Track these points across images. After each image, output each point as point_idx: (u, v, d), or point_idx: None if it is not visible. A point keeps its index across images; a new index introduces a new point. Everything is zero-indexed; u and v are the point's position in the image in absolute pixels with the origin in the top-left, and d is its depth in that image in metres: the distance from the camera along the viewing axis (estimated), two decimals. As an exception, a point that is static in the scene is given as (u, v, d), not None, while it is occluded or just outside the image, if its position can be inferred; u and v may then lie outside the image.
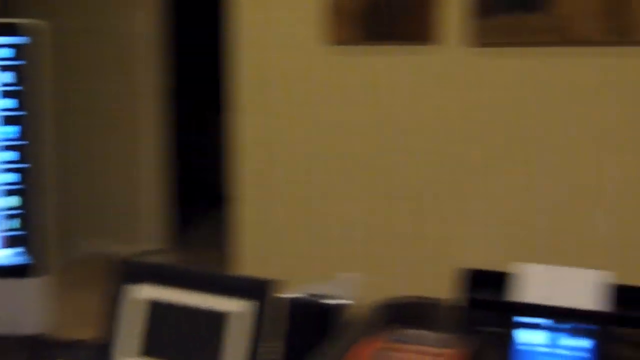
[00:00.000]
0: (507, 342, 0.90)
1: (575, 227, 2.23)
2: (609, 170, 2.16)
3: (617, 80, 2.12)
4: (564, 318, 0.89)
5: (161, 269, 1.01)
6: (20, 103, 1.17)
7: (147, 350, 1.01)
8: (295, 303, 1.14)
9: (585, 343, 0.87)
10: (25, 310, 1.23)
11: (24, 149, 1.18)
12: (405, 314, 1.08)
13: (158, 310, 1.02)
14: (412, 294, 1.18)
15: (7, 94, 1.17)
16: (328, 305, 1.15)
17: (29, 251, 1.20)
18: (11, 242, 1.19)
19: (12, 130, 1.17)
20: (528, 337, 0.89)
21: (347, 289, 1.22)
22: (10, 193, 1.18)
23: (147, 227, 4.09)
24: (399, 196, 2.43)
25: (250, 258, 2.62)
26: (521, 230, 2.30)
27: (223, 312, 1.17)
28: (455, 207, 2.38)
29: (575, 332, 0.88)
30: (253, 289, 1.19)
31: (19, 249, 1.19)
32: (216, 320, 1.15)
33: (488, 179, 2.32)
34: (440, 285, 1.25)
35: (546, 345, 0.88)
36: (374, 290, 1.17)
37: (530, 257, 1.01)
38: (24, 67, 1.17)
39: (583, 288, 0.93)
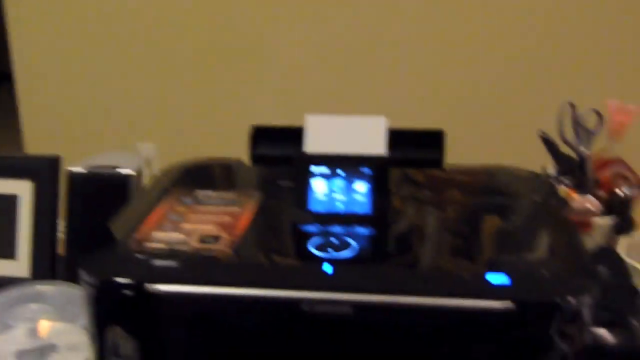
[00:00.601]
0: (296, 193, 0.91)
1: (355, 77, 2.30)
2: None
3: None
4: (348, 165, 0.91)
5: None
6: None
7: None
8: (76, 177, 1.09)
9: (367, 186, 0.90)
10: None
11: None
12: (194, 177, 1.06)
13: None
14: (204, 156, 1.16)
15: None
16: (112, 175, 1.10)
17: None
18: None
19: None
20: (315, 186, 0.91)
21: (136, 159, 1.18)
22: None
23: None
24: (188, 62, 2.37)
25: (35, 136, 2.49)
26: (308, 83, 2.34)
27: (8, 194, 1.11)
28: (244, 67, 2.36)
29: (359, 177, 0.91)
30: (37, 167, 1.13)
31: None
32: (3, 202, 1.09)
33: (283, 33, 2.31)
34: (234, 146, 1.24)
35: (332, 192, 0.90)
36: (171, 158, 1.14)
37: (316, 109, 1.01)
38: None
39: (364, 134, 0.96)
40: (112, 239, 0.86)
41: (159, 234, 0.86)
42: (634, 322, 1.01)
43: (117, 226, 0.90)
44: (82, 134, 2.48)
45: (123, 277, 0.78)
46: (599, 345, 0.94)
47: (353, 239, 0.84)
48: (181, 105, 2.44)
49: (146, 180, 1.18)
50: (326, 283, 0.77)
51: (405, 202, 0.97)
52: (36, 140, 2.51)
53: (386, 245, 0.88)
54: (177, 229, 0.87)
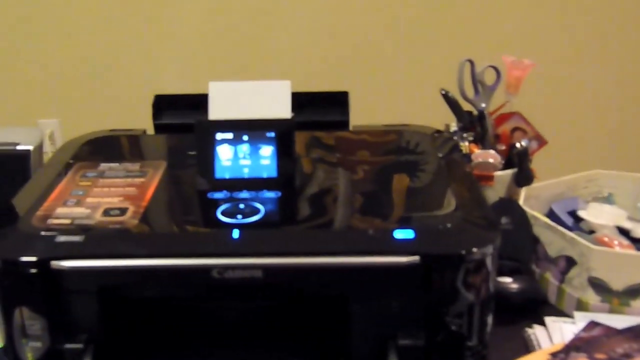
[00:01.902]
0: (201, 160, 0.90)
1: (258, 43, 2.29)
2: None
3: None
4: (253, 129, 0.91)
5: None
6: None
7: None
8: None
9: (273, 150, 0.90)
10: None
11: None
12: (97, 149, 1.04)
13: None
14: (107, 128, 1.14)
15: None
16: (9, 152, 1.07)
17: None
18: None
19: None
20: (221, 153, 0.90)
21: (37, 135, 1.14)
22: None
23: None
24: (89, 32, 2.30)
25: None
26: (212, 50, 2.31)
27: None
28: (147, 36, 2.31)
29: (265, 141, 0.90)
30: None
31: None
32: None
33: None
34: (140, 117, 1.22)
35: (238, 158, 0.90)
36: (75, 134, 1.11)
37: (220, 76, 1.00)
38: None
39: (268, 99, 0.95)
40: (13, 217, 0.84)
41: (62, 210, 0.84)
42: (535, 269, 1.05)
43: (19, 203, 0.87)
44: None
45: (27, 255, 0.76)
46: (502, 293, 0.97)
47: (261, 204, 0.84)
48: (83, 78, 2.36)
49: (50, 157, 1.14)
50: (236, 249, 0.77)
51: (314, 164, 0.97)
52: None
53: (294, 208, 0.88)
54: (81, 203, 0.85)
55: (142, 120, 1.16)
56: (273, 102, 0.95)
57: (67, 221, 0.81)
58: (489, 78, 1.22)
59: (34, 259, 0.76)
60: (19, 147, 1.08)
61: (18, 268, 0.76)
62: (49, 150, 1.15)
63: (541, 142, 1.22)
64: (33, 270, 0.76)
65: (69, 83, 2.37)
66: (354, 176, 0.95)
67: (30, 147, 1.08)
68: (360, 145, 1.04)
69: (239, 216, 0.81)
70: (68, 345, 0.78)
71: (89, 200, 0.86)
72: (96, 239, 0.78)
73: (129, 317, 0.83)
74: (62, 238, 0.78)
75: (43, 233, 0.79)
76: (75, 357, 0.78)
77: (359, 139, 1.06)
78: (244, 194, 0.86)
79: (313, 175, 0.94)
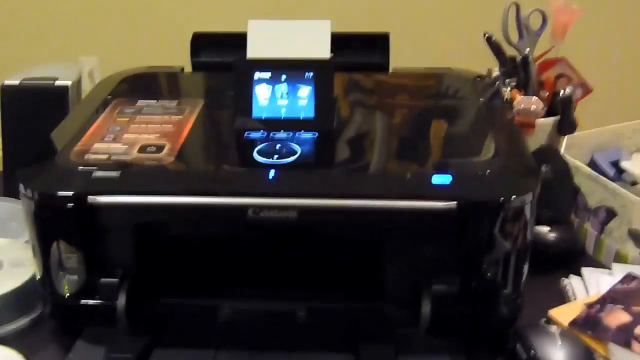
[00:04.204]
0: (239, 99, 0.89)
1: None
2: None
3: None
4: (292, 69, 0.90)
5: None
6: None
7: None
8: (9, 89, 1.05)
9: (311, 91, 0.89)
10: None
11: None
12: (135, 86, 1.03)
13: None
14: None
15: None
16: (48, 87, 1.07)
17: None
18: None
19: None
20: (258, 92, 0.89)
21: (75, 71, 1.14)
22: None
23: None
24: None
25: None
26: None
27: None
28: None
29: (303, 81, 0.89)
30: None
31: None
32: None
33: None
34: (178, 55, 1.21)
35: (276, 97, 0.89)
36: (114, 71, 1.10)
37: (259, 14, 0.98)
38: None
39: (308, 39, 0.94)
40: (51, 152, 0.84)
41: (99, 145, 0.84)
42: (574, 220, 1.04)
43: (56, 139, 0.88)
44: (21, 48, 2.39)
45: (64, 189, 0.76)
46: (539, 243, 0.96)
47: (298, 145, 0.83)
48: (123, 15, 2.36)
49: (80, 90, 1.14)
50: (271, 189, 0.77)
51: (351, 107, 0.96)
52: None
53: (331, 150, 0.87)
54: (118, 139, 0.85)
55: (180, 59, 1.15)
56: (312, 42, 0.93)
57: (104, 157, 0.81)
58: (535, 23, 1.18)
59: (70, 193, 0.76)
60: (57, 83, 1.08)
61: (55, 202, 0.77)
62: (88, 88, 1.15)
63: (586, 89, 1.18)
64: (70, 205, 0.76)
65: (109, 20, 2.36)
66: (392, 120, 0.93)
67: (69, 83, 1.08)
68: (399, 88, 1.02)
69: (275, 156, 0.81)
70: (103, 280, 0.79)
71: (126, 136, 0.86)
72: (133, 175, 0.78)
73: (164, 255, 0.83)
74: (98, 173, 0.78)
75: (80, 168, 0.79)
76: (110, 292, 0.79)
77: (398, 82, 1.04)
78: (281, 134, 0.85)
79: (350, 118, 0.93)
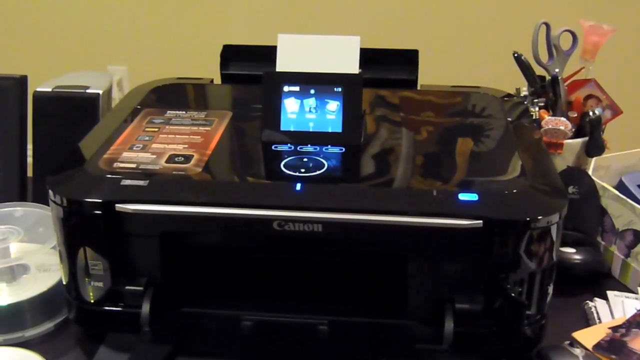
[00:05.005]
0: (267, 112, 0.90)
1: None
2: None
3: None
4: (321, 83, 0.90)
5: None
6: None
7: None
8: (42, 96, 1.06)
9: (340, 105, 0.89)
10: None
11: None
12: (165, 96, 1.05)
13: None
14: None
15: None
16: (79, 95, 1.08)
17: None
18: None
19: None
20: (287, 105, 0.90)
21: (106, 80, 1.15)
22: None
23: None
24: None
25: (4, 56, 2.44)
26: (281, 2, 2.29)
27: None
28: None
29: (332, 96, 0.90)
30: (3, 87, 1.10)
31: None
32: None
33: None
34: (207, 67, 1.22)
35: (304, 111, 0.89)
36: (142, 81, 1.12)
37: (289, 29, 0.99)
38: None
39: (337, 54, 0.94)
40: (80, 160, 0.85)
41: (128, 154, 0.85)
42: (600, 242, 1.03)
43: (86, 146, 0.89)
44: (52, 57, 2.42)
45: (92, 196, 0.77)
46: (565, 264, 0.95)
47: (325, 159, 0.83)
48: (153, 27, 2.38)
49: (117, 102, 1.16)
50: (298, 202, 0.77)
51: (378, 122, 0.96)
52: (6, 60, 2.45)
53: (358, 164, 0.87)
54: (146, 148, 0.86)
55: (210, 71, 1.16)
56: (341, 57, 0.94)
57: (133, 165, 0.82)
58: (565, 43, 1.18)
59: (98, 200, 0.77)
60: (89, 91, 1.09)
61: (83, 209, 0.78)
62: (116, 97, 1.16)
63: (615, 111, 1.17)
64: (97, 212, 0.77)
65: (139, 31, 2.39)
66: (419, 136, 0.93)
67: (100, 91, 1.10)
68: (426, 105, 1.02)
69: (302, 170, 0.81)
70: (128, 287, 0.80)
71: (155, 146, 0.87)
72: (160, 185, 0.79)
73: (189, 264, 0.84)
74: (126, 182, 0.79)
75: (108, 176, 0.80)
76: (135, 299, 0.79)
77: (424, 99, 1.04)
78: (308, 148, 0.86)
79: (377, 133, 0.93)
